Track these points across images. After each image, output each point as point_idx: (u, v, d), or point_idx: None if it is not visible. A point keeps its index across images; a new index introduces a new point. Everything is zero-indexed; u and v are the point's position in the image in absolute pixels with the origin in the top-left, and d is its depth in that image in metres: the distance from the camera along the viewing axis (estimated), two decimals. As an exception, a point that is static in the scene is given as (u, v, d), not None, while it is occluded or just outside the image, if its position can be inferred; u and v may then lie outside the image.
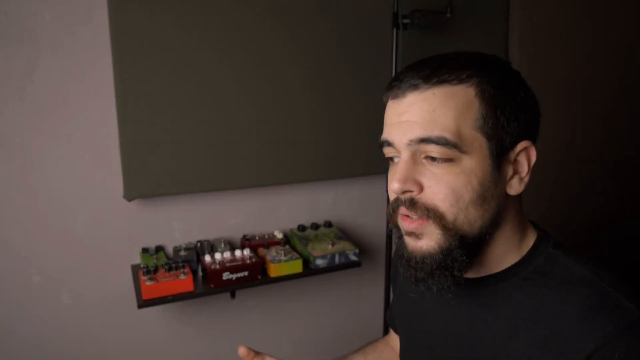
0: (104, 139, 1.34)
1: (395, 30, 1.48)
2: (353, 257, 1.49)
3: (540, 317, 0.60)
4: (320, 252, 1.45)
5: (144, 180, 1.35)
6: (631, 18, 2.20)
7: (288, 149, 1.52)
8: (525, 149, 0.62)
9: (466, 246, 0.61)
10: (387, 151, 0.64)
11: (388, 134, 0.63)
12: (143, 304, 1.25)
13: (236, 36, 1.40)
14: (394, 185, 0.60)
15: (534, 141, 0.64)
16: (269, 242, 1.50)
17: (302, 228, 1.58)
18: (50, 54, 1.25)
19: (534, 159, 0.63)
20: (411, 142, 0.60)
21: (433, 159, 0.60)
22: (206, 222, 1.51)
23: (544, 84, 1.99)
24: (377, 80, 1.58)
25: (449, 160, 0.59)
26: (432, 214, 0.60)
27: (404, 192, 0.61)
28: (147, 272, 1.27)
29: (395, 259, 0.91)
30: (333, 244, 1.50)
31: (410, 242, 0.63)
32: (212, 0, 1.35)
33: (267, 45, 1.44)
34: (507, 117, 0.61)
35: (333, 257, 1.46)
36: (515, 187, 0.63)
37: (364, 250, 1.73)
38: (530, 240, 0.67)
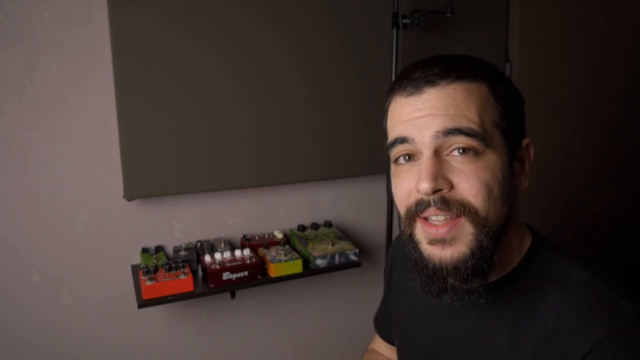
0: (104, 139, 1.34)
1: (395, 30, 1.48)
2: (353, 257, 1.49)
3: (539, 320, 0.60)
4: (320, 252, 1.45)
5: (144, 180, 1.35)
6: (632, 18, 2.20)
7: (288, 149, 1.52)
8: (527, 145, 0.65)
9: (494, 244, 0.59)
10: (400, 150, 0.61)
11: (405, 130, 0.60)
12: (143, 304, 1.25)
13: (236, 36, 1.40)
14: (424, 185, 0.56)
15: None
16: (269, 242, 1.50)
17: (302, 228, 1.58)
18: (50, 54, 1.25)
19: (532, 155, 0.65)
20: (437, 135, 0.57)
21: (461, 151, 0.57)
22: (206, 222, 1.51)
23: (544, 84, 1.99)
24: (377, 80, 1.58)
25: (475, 154, 0.57)
26: (467, 210, 0.57)
27: (435, 191, 0.57)
28: (147, 272, 1.27)
29: (390, 266, 0.90)
30: (333, 244, 1.50)
31: (436, 251, 0.59)
32: (212, 0, 1.35)
33: (267, 45, 1.44)
34: (515, 114, 0.62)
35: (333, 257, 1.46)
36: (523, 183, 0.64)
37: (364, 250, 1.73)
38: (527, 243, 0.66)
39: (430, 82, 0.59)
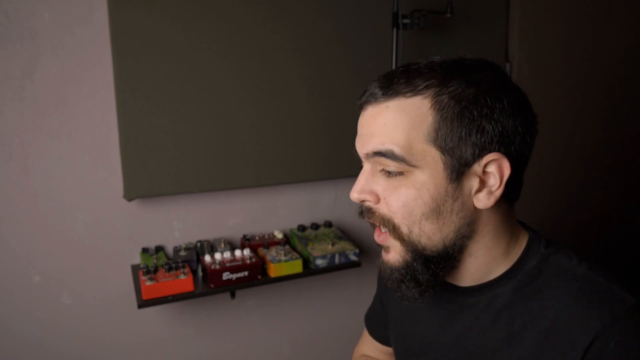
0: (104, 139, 1.34)
1: (395, 30, 1.48)
2: (353, 257, 1.49)
3: (537, 315, 0.61)
4: (320, 252, 1.45)
5: (144, 180, 1.35)
6: (631, 18, 2.20)
7: (288, 149, 1.52)
8: (496, 160, 0.58)
9: (428, 260, 0.62)
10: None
11: (356, 143, 0.65)
12: (143, 304, 1.25)
13: (236, 36, 1.40)
14: (352, 195, 0.63)
15: (518, 151, 0.59)
16: (269, 242, 1.50)
17: (302, 228, 1.58)
18: (50, 54, 1.25)
19: (507, 171, 0.59)
20: (367, 155, 0.62)
21: (385, 173, 0.61)
22: (206, 222, 1.51)
23: (544, 84, 1.99)
24: (377, 80, 1.58)
25: (399, 174, 0.60)
26: (389, 224, 0.61)
27: (362, 201, 0.63)
28: (147, 272, 1.27)
29: None
30: (333, 244, 1.50)
31: (382, 253, 0.66)
32: (212, 0, 1.35)
33: (267, 45, 1.44)
34: (469, 128, 0.57)
35: (333, 257, 1.46)
36: (483, 201, 0.60)
37: (364, 250, 1.73)
38: (522, 243, 0.66)
39: (373, 98, 0.62)
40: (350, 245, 1.51)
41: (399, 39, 1.49)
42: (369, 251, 1.76)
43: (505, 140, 0.58)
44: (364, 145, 0.62)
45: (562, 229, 2.19)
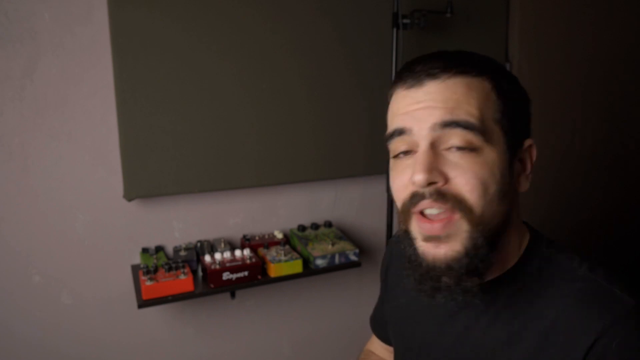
0: (104, 139, 1.34)
1: (395, 30, 1.48)
2: (353, 257, 1.49)
3: (538, 315, 0.60)
4: (320, 252, 1.45)
5: (144, 180, 1.35)
6: (631, 18, 2.20)
7: (288, 149, 1.52)
8: (530, 146, 0.63)
9: (490, 244, 0.58)
10: (398, 143, 0.59)
11: (403, 121, 0.58)
12: (143, 304, 1.25)
13: (236, 36, 1.40)
14: (418, 177, 0.54)
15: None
16: (269, 242, 1.50)
17: (302, 228, 1.58)
18: (50, 54, 1.25)
19: (534, 157, 0.64)
20: (435, 127, 0.56)
21: (457, 148, 0.56)
22: (206, 222, 1.51)
23: (544, 84, 1.99)
24: (377, 80, 1.58)
25: (472, 150, 0.56)
26: (462, 206, 0.55)
27: (429, 184, 0.55)
28: (147, 272, 1.27)
29: (387, 265, 0.90)
30: (333, 244, 1.49)
31: (430, 249, 0.58)
32: (212, 0, 1.35)
33: (267, 45, 1.44)
34: (517, 114, 0.61)
35: (333, 257, 1.46)
36: (523, 185, 0.63)
37: (364, 250, 1.73)
38: (524, 242, 0.66)
39: (432, 75, 0.58)
40: (350, 245, 1.51)
41: (399, 39, 1.49)
42: (369, 251, 1.76)
43: (529, 128, 0.65)
44: (427, 117, 0.56)
45: (562, 229, 2.19)
